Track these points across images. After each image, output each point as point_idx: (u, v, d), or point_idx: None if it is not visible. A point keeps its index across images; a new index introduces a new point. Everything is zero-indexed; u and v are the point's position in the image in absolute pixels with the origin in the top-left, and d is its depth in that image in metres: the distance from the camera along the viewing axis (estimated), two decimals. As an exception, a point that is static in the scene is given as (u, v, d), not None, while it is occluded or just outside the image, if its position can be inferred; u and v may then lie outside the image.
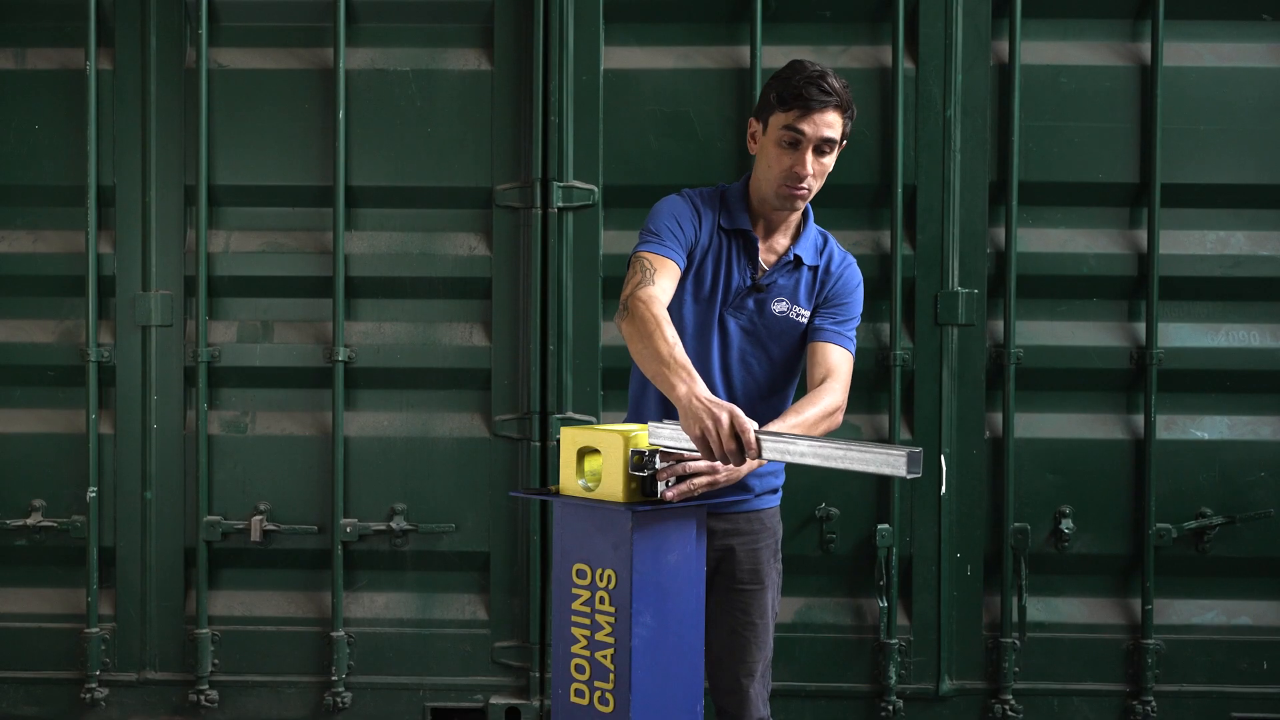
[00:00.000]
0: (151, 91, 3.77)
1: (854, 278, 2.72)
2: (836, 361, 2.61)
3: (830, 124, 2.50)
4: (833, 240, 2.73)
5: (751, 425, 2.17)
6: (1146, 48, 3.70)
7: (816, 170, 2.54)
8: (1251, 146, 3.71)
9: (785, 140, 2.52)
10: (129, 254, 3.80)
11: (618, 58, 3.74)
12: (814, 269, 2.67)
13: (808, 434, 2.45)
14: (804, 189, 2.55)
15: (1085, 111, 3.71)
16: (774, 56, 3.69)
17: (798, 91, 2.49)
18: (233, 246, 3.82)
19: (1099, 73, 3.71)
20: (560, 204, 3.71)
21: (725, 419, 2.16)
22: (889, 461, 2.02)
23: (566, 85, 3.70)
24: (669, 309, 2.48)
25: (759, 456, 2.18)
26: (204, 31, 3.74)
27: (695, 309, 2.63)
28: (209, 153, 3.77)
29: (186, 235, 3.81)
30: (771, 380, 2.67)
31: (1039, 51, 3.71)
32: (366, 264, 3.80)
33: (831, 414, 2.53)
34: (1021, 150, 3.69)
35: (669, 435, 2.32)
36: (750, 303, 2.63)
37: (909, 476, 2.01)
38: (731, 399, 2.62)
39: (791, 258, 2.64)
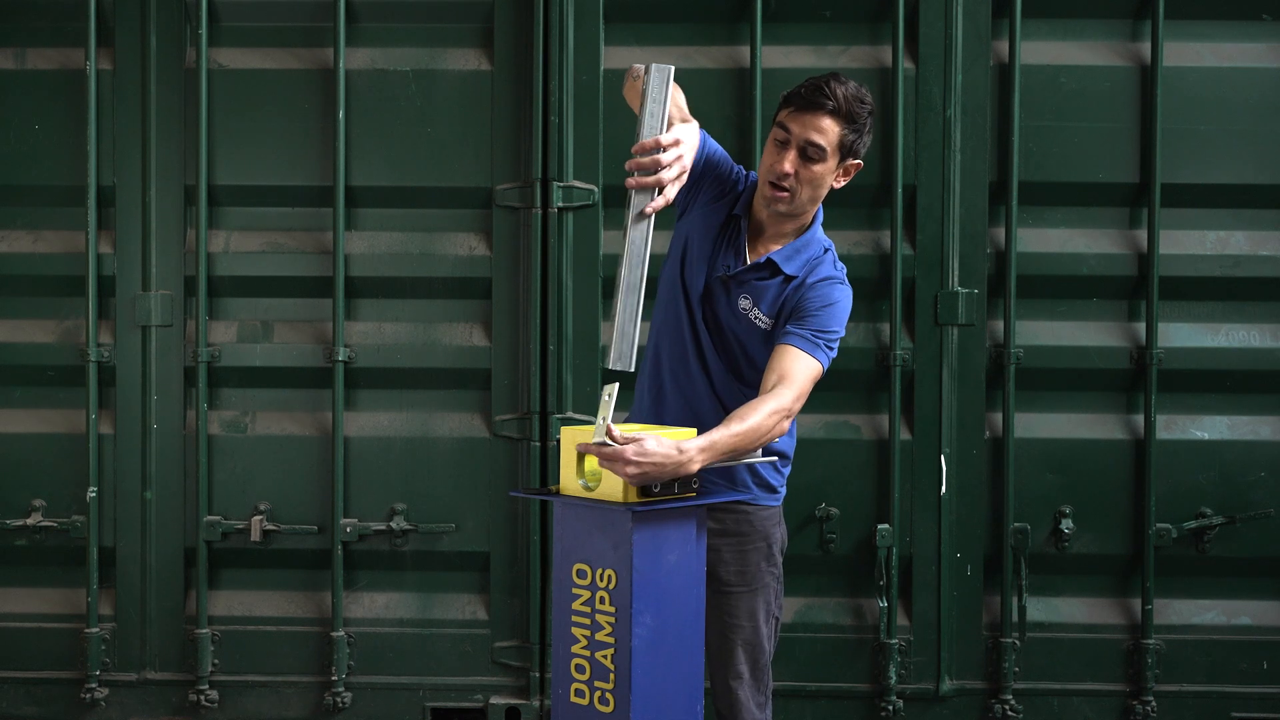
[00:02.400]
0: (151, 91, 3.77)
1: (833, 294, 2.57)
2: (790, 364, 2.46)
3: (821, 129, 2.48)
4: (831, 257, 2.64)
5: None
6: (1146, 48, 3.70)
7: (803, 176, 2.51)
8: (1251, 146, 3.71)
9: (777, 138, 2.53)
10: (129, 254, 3.80)
11: (618, 58, 3.73)
12: (788, 279, 2.59)
13: (748, 445, 2.38)
14: (784, 190, 2.52)
15: (1085, 111, 3.71)
16: (774, 56, 3.69)
17: (798, 91, 2.51)
18: (233, 246, 3.82)
19: (1099, 73, 3.71)
20: (560, 204, 3.71)
21: None
22: None
23: (566, 85, 3.70)
24: (664, 274, 2.58)
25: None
26: (204, 31, 3.74)
27: (683, 281, 2.63)
28: (209, 153, 3.77)
29: (186, 235, 3.81)
30: (732, 376, 2.62)
31: (1039, 51, 3.71)
32: (366, 264, 3.80)
33: (770, 428, 2.39)
34: (1021, 150, 3.69)
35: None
36: (722, 292, 2.62)
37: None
38: (705, 378, 2.62)
39: (765, 260, 2.59)
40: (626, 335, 2.34)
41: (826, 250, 2.64)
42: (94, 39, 3.74)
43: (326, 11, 3.75)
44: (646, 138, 2.36)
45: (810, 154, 2.50)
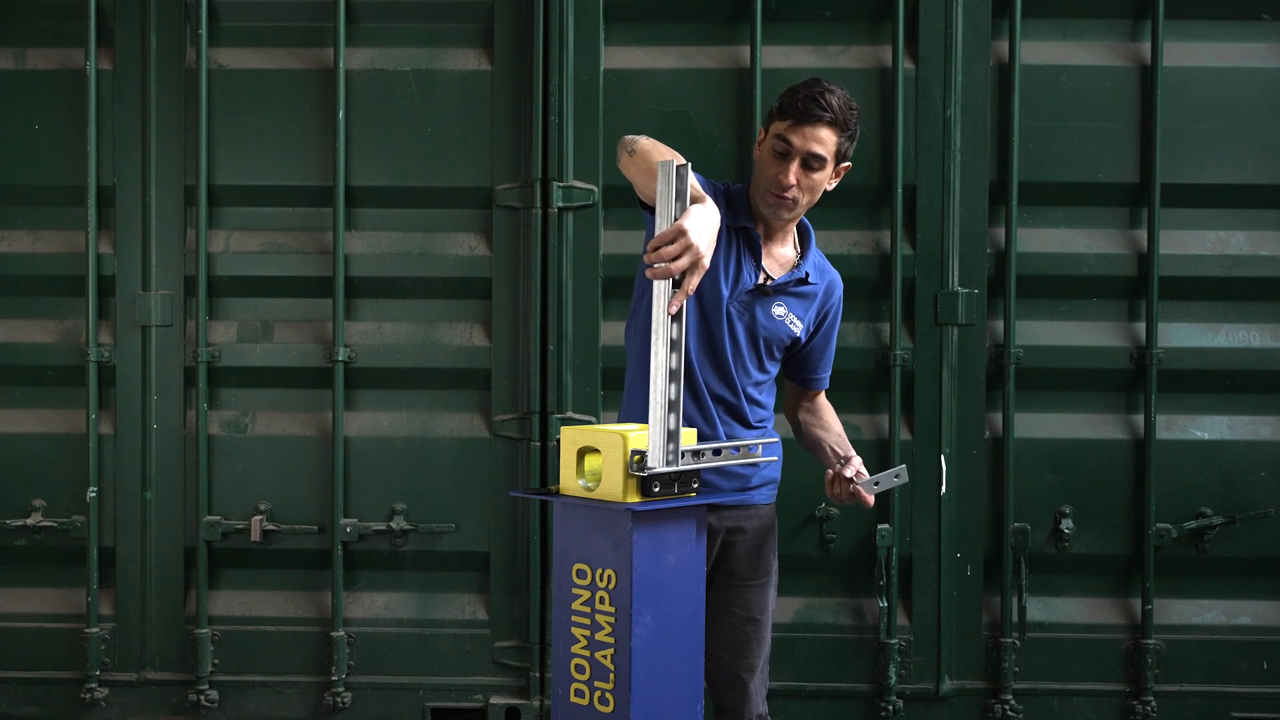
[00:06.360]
0: (151, 91, 3.77)
1: (840, 299, 2.84)
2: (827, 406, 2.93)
3: (820, 140, 2.56)
4: (825, 260, 2.84)
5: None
6: (1146, 48, 3.70)
7: (804, 184, 2.60)
8: (1251, 146, 3.71)
9: (777, 149, 2.60)
10: (129, 254, 3.80)
11: (618, 58, 3.74)
12: (814, 287, 2.75)
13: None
14: (788, 198, 2.60)
15: (1085, 111, 3.71)
16: (774, 56, 3.69)
17: (794, 103, 2.57)
18: (233, 246, 3.82)
19: (1099, 73, 3.71)
20: (560, 204, 3.71)
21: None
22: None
23: (566, 85, 3.70)
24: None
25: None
26: (204, 31, 3.74)
27: (704, 300, 2.65)
28: (209, 153, 3.77)
29: (186, 235, 3.81)
30: (759, 376, 2.73)
31: (1039, 51, 3.71)
32: (366, 264, 3.80)
33: None
34: (1021, 150, 3.69)
35: None
36: (755, 301, 2.68)
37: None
38: (729, 385, 2.69)
39: (803, 274, 2.71)
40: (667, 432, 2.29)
41: (822, 255, 2.83)
42: (94, 39, 3.74)
43: (326, 11, 3.75)
44: (658, 232, 2.27)
45: (812, 164, 2.59)
